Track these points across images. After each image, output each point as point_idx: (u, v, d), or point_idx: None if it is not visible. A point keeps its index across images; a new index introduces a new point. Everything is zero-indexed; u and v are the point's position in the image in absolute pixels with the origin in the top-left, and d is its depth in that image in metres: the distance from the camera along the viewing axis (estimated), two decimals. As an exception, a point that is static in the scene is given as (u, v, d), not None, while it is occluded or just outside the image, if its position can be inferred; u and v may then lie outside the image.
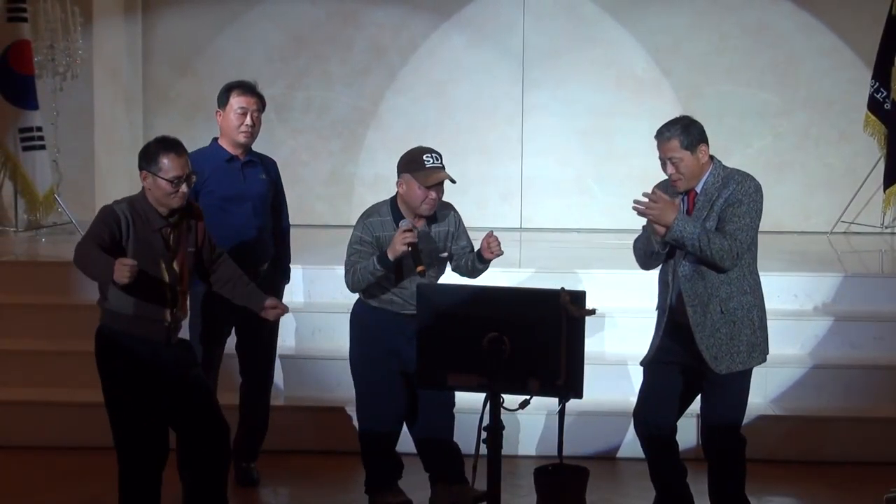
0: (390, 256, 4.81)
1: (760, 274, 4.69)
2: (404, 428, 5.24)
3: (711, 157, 4.60)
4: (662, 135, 4.57)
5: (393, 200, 5.07)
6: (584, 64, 9.71)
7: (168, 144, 4.49)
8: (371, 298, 5.10)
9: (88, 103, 9.15)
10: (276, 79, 9.83)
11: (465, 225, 5.24)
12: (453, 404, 5.21)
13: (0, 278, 7.02)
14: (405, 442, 5.28)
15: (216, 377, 5.34)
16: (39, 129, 8.53)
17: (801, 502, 5.61)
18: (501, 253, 5.00)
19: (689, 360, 4.63)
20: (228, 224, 5.19)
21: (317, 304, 6.76)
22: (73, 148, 8.90)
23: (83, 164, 9.09)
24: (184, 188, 4.47)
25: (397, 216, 5.00)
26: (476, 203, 9.63)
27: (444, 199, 5.09)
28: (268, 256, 5.43)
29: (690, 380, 4.72)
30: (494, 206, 9.64)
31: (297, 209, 10.01)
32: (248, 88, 5.28)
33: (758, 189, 4.53)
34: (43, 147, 8.56)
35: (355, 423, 5.30)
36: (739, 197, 4.47)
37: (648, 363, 4.77)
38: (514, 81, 9.72)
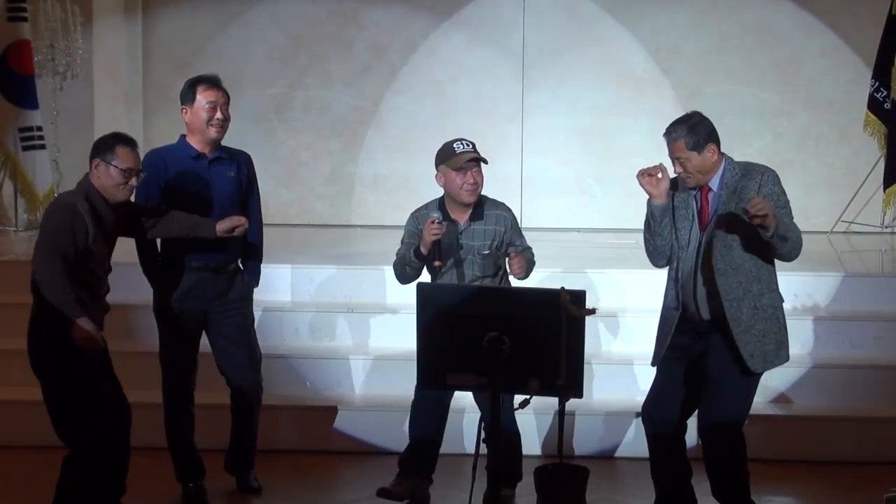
0: (422, 249, 4.94)
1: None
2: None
3: (723, 155, 4.56)
4: (670, 135, 4.54)
5: (441, 199, 5.17)
6: (585, 63, 9.72)
7: (124, 138, 4.65)
8: None
9: (88, 103, 9.15)
10: (276, 78, 9.85)
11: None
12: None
13: (0, 278, 7.02)
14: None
15: (194, 377, 5.27)
16: (39, 128, 8.54)
17: (801, 502, 5.60)
18: (521, 276, 5.05)
19: (704, 356, 4.57)
20: None
21: (316, 304, 6.76)
22: (73, 148, 8.89)
23: (83, 164, 9.06)
24: (133, 182, 4.58)
25: (444, 212, 5.09)
26: (476, 203, 9.64)
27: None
28: (235, 257, 5.23)
29: (700, 378, 4.64)
30: (494, 206, 9.63)
31: (298, 209, 10.11)
32: (213, 82, 5.11)
33: (777, 179, 4.51)
34: (43, 147, 8.56)
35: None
36: (773, 188, 4.45)
37: (661, 361, 4.71)
38: (514, 81, 9.72)
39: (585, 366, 3.95)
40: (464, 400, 5.34)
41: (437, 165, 5.11)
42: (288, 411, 6.09)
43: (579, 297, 3.89)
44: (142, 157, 4.82)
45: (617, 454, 5.96)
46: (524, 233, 5.33)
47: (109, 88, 9.49)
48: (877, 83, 8.81)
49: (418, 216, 5.15)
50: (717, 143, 4.53)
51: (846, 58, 9.55)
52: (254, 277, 5.33)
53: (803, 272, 6.94)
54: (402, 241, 5.17)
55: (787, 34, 9.64)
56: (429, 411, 5.12)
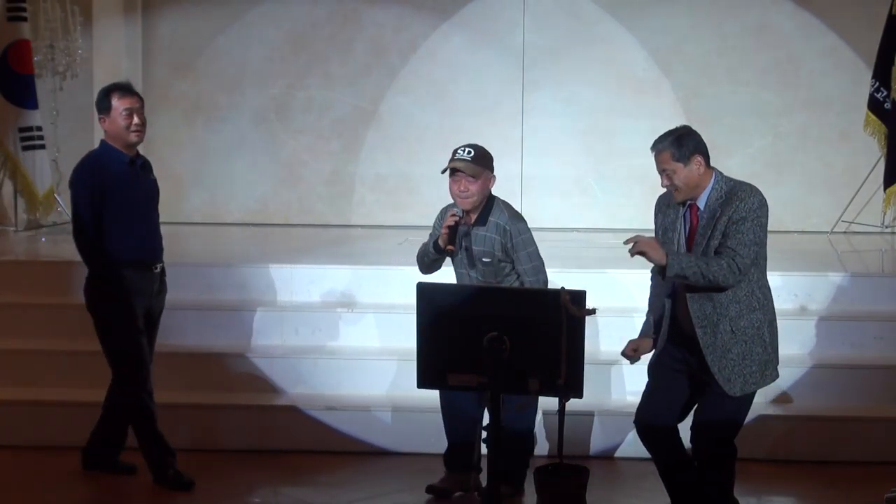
0: (440, 240, 5.09)
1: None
2: None
3: (712, 169, 4.52)
4: (656, 146, 4.51)
5: None
6: (585, 64, 9.72)
7: None
8: None
9: (88, 103, 9.07)
10: (276, 78, 9.85)
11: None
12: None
13: (0, 278, 7.02)
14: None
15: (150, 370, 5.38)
16: (39, 128, 8.54)
17: (801, 502, 5.61)
18: None
19: (697, 372, 4.54)
20: (137, 228, 5.27)
21: (317, 304, 6.76)
22: (73, 148, 8.88)
23: (83, 164, 9.08)
24: None
25: (460, 210, 5.19)
26: (476, 203, 9.63)
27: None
28: (161, 253, 5.47)
29: (694, 388, 4.63)
30: (494, 206, 9.63)
31: (298, 209, 10.11)
32: (127, 89, 5.30)
33: (762, 204, 4.43)
34: (43, 146, 8.56)
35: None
36: (743, 214, 4.38)
37: (653, 365, 4.71)
38: (514, 81, 9.72)
39: (586, 366, 3.95)
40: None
41: None
42: (287, 411, 6.09)
43: (579, 297, 3.90)
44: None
45: (617, 454, 5.96)
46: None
47: (109, 89, 9.48)
48: (877, 83, 8.79)
49: (443, 211, 5.29)
50: (704, 155, 4.48)
51: (846, 58, 9.54)
52: (164, 273, 5.56)
53: (803, 272, 6.95)
54: (430, 235, 5.31)
55: (786, 35, 9.63)
56: (458, 414, 5.19)
